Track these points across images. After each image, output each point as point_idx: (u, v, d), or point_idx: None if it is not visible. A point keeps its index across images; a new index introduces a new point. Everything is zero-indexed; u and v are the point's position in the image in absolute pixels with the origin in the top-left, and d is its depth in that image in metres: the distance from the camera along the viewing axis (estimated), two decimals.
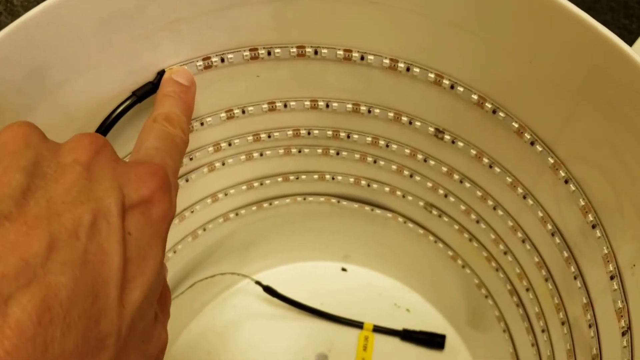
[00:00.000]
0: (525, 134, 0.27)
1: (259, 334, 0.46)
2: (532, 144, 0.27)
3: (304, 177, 0.39)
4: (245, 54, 0.29)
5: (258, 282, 0.45)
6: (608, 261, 0.25)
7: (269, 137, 0.35)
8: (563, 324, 0.30)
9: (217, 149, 0.34)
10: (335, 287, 0.48)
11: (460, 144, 0.32)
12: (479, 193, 0.34)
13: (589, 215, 0.26)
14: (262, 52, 0.29)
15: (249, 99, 0.32)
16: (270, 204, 0.41)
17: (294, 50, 0.29)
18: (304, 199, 0.41)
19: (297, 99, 0.33)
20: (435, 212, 0.38)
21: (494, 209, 0.33)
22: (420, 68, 0.29)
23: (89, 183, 0.17)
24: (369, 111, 0.33)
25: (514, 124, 0.28)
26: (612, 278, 0.25)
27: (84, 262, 0.16)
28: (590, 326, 0.27)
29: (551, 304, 0.31)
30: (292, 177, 0.39)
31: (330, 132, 0.35)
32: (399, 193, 0.39)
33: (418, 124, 0.32)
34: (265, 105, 0.33)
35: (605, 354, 0.26)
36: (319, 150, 0.37)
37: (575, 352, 0.29)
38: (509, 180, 0.31)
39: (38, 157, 0.17)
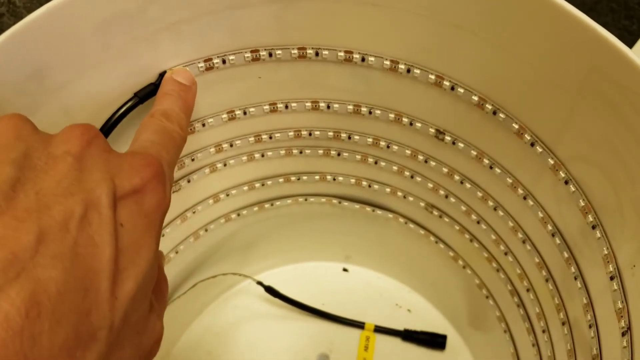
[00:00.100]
0: (526, 135, 0.28)
1: (260, 335, 0.46)
2: (532, 144, 0.28)
3: (305, 177, 0.39)
4: (246, 55, 0.29)
5: (259, 283, 0.45)
6: (608, 262, 0.25)
7: (271, 138, 0.35)
8: (563, 324, 0.30)
9: (219, 149, 0.34)
10: (336, 287, 0.48)
11: (461, 145, 0.32)
12: (479, 194, 0.34)
13: (589, 215, 0.26)
14: (263, 53, 0.29)
15: (251, 100, 0.32)
16: (272, 204, 0.41)
17: (295, 51, 0.29)
18: (306, 199, 0.41)
19: (298, 100, 0.33)
20: (436, 212, 0.38)
21: (495, 209, 0.33)
22: (421, 69, 0.29)
23: (80, 174, 0.17)
24: (370, 112, 0.33)
25: (514, 125, 0.28)
26: (612, 278, 0.25)
27: (74, 255, 0.16)
28: (590, 326, 0.27)
29: (551, 304, 0.31)
30: (293, 178, 0.39)
31: (331, 133, 0.35)
32: (399, 194, 0.39)
33: (419, 125, 0.32)
34: (267, 107, 0.33)
35: (606, 354, 0.26)
36: (320, 151, 0.37)
37: (575, 352, 0.29)
38: (510, 181, 0.31)
39: (29, 149, 0.17)
